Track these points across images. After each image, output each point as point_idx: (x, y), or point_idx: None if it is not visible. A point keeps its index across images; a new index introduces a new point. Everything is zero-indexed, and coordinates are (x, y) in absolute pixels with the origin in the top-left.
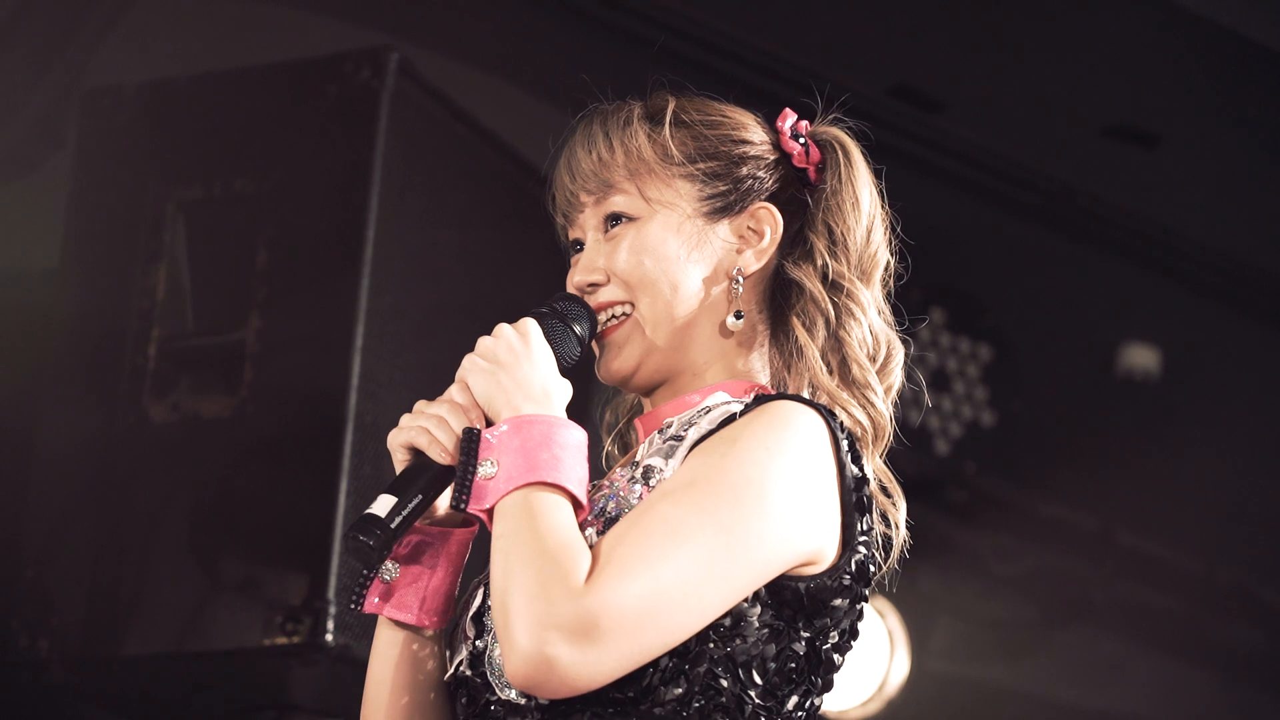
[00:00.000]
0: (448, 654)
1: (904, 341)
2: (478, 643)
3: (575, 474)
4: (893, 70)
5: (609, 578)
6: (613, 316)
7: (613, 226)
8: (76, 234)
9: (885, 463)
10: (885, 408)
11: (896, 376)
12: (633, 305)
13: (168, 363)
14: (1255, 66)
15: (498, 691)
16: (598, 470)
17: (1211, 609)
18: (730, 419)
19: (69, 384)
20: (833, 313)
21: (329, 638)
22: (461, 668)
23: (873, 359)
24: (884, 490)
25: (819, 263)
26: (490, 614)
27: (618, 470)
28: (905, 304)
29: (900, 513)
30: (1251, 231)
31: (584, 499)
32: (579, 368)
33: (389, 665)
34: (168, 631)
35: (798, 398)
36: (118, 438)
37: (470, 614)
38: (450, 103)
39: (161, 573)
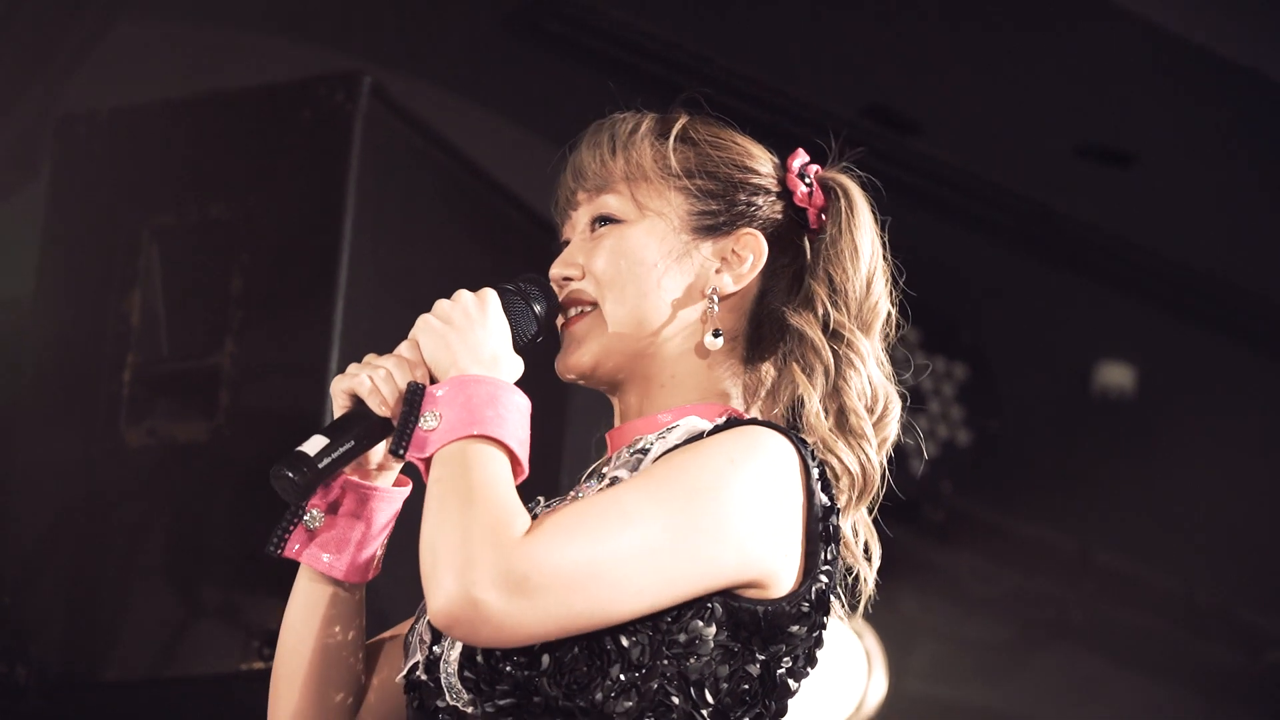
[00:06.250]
0: (403, 657)
1: (902, 395)
2: (435, 648)
3: (517, 435)
4: (867, 91)
5: (548, 537)
6: (579, 311)
7: (600, 226)
8: (51, 260)
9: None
10: (878, 460)
11: (892, 429)
12: (597, 303)
13: (143, 388)
14: (1229, 85)
15: (449, 698)
16: None
17: (1191, 629)
18: (698, 436)
19: (44, 410)
20: (832, 362)
21: None
22: (416, 671)
23: (870, 410)
24: (864, 549)
25: (820, 311)
26: None
27: (584, 482)
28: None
29: (873, 569)
30: (1226, 250)
31: (524, 461)
32: (559, 386)
33: (305, 613)
34: (145, 657)
35: (770, 423)
36: (94, 463)
37: (426, 617)
38: (423, 126)
39: (139, 598)
